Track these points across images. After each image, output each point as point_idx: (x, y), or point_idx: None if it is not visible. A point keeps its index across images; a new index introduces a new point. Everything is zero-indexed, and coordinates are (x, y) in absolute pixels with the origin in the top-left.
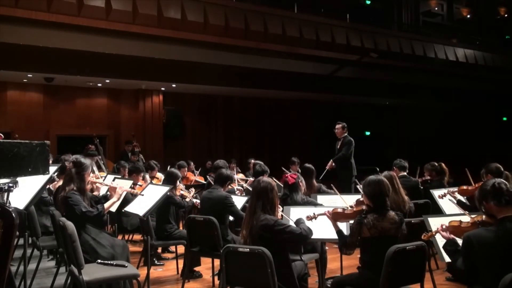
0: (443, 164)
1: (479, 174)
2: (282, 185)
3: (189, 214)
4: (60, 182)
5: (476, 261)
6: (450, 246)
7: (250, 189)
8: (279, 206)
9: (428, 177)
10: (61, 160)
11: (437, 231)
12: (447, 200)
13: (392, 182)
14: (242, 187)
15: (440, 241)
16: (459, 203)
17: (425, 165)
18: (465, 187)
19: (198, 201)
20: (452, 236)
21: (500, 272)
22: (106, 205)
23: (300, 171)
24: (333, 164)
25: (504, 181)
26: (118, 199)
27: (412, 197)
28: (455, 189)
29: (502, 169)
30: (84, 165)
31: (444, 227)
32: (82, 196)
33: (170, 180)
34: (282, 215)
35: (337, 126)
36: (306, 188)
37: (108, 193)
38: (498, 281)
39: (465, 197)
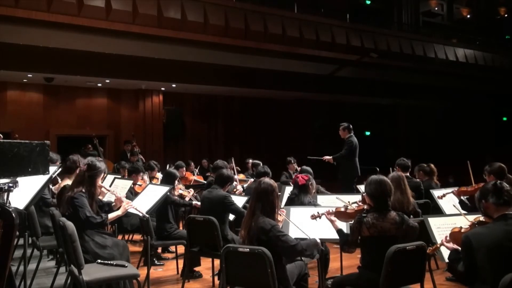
0: (431, 165)
1: (479, 174)
2: (293, 183)
3: (189, 214)
4: (64, 183)
5: (475, 259)
6: (453, 255)
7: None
8: (282, 210)
9: (418, 179)
10: (68, 159)
11: (441, 244)
12: (447, 200)
13: (399, 183)
14: (243, 188)
15: (445, 251)
16: (461, 203)
17: (415, 168)
18: (464, 188)
19: (198, 202)
20: (455, 246)
21: (498, 267)
22: (110, 216)
23: (298, 170)
24: (333, 161)
25: (505, 183)
26: (123, 213)
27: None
28: (455, 189)
29: (506, 171)
30: (98, 169)
31: (447, 238)
32: (90, 200)
33: (168, 180)
34: (283, 219)
35: (340, 128)
36: None
37: (113, 202)
38: (496, 275)
39: (465, 197)
